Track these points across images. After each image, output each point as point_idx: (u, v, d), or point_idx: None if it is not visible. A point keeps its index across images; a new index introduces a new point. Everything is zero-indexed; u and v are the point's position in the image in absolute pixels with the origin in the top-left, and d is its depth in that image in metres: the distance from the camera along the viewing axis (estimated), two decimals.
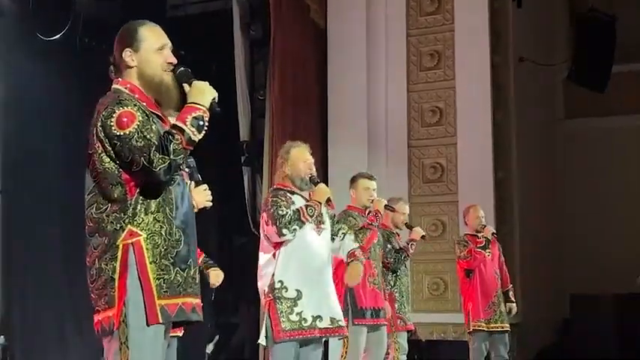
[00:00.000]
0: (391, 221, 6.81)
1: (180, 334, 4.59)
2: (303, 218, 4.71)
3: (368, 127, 9.72)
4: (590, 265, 10.56)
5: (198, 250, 3.59)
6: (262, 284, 4.77)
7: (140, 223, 2.98)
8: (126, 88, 3.10)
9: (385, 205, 6.04)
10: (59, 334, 9.55)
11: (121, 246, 2.96)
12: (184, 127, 2.94)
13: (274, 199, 4.76)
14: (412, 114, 9.70)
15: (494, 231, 7.20)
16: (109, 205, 3.00)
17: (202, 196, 3.95)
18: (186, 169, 3.24)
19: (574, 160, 11.40)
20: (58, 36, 8.90)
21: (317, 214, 4.80)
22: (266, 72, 9.73)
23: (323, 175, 9.72)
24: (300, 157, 4.96)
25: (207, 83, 3.07)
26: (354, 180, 6.19)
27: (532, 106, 10.59)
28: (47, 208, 9.36)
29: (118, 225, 2.98)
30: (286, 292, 4.66)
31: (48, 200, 9.33)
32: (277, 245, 4.74)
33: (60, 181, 9.34)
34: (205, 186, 4.07)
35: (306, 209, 4.74)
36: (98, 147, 2.98)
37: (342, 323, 4.83)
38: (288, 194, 4.84)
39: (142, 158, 2.90)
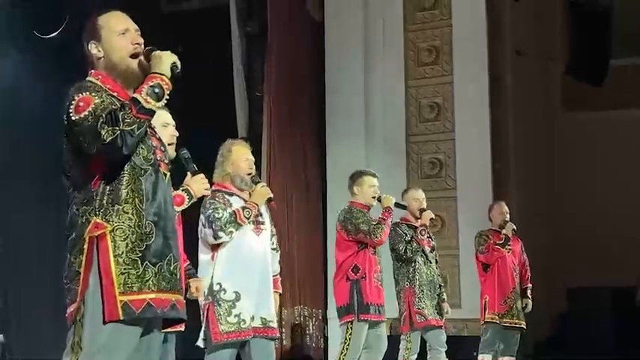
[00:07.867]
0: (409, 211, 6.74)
1: (182, 330, 4.53)
2: (239, 220, 4.66)
3: (366, 122, 9.71)
4: (587, 259, 10.54)
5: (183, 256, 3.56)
6: (202, 286, 4.69)
7: (106, 215, 2.85)
8: (97, 79, 3.01)
9: (396, 203, 6.14)
10: (54, 324, 9.56)
11: (87, 239, 2.85)
12: (138, 96, 2.84)
13: (211, 200, 4.71)
14: (410, 109, 9.68)
15: (515, 227, 7.20)
16: (80, 198, 2.90)
17: (199, 185, 4.36)
18: (165, 161, 3.09)
19: (572, 154, 11.38)
20: (55, 33, 8.87)
21: (254, 216, 4.75)
22: (263, 68, 9.71)
23: (321, 170, 9.72)
24: (242, 155, 4.92)
25: (167, 52, 2.96)
26: (358, 177, 6.22)
27: (530, 99, 10.57)
28: (40, 195, 9.35)
29: (84, 218, 2.87)
30: (225, 294, 4.64)
31: (42, 185, 9.31)
32: (215, 247, 4.71)
33: (51, 168, 9.32)
34: (202, 175, 4.40)
35: (243, 211, 4.70)
36: (65, 137, 2.91)
37: (273, 324, 4.81)
38: (226, 196, 4.79)
39: (90, 136, 2.80)
